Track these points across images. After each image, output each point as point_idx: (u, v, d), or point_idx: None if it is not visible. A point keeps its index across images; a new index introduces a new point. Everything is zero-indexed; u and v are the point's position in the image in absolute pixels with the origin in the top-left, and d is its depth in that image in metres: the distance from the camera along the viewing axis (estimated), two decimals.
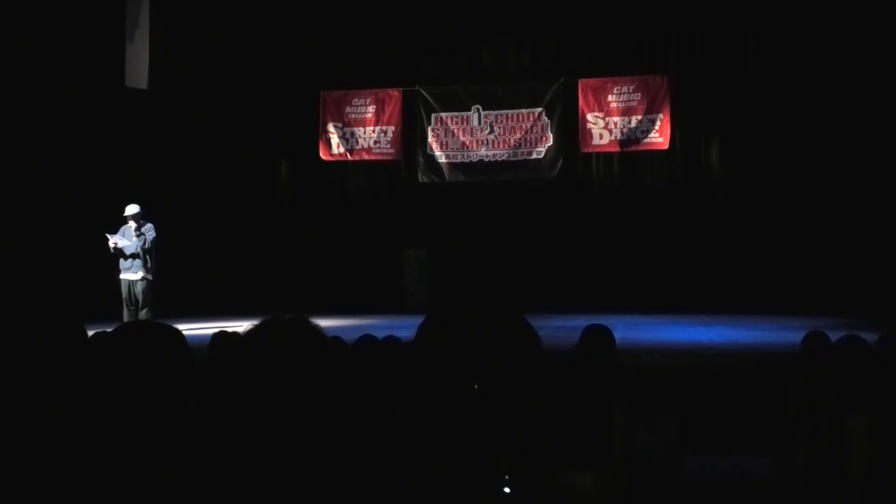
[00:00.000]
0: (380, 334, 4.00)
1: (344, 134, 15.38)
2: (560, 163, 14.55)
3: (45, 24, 11.89)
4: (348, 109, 15.37)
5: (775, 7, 13.46)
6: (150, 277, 10.39)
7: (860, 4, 12.81)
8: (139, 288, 10.34)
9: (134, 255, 10.31)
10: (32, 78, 11.84)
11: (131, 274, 10.37)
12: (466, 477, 1.46)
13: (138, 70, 12.60)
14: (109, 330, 2.26)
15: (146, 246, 10.30)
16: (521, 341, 1.55)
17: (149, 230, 10.40)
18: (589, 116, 14.40)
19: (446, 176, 15.02)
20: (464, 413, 1.47)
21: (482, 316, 1.56)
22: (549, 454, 2.80)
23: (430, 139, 15.11)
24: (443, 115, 15.07)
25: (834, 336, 4.55)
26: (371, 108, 15.29)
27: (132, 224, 10.30)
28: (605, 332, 4.46)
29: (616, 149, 14.36)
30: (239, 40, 14.88)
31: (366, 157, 15.39)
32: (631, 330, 10.04)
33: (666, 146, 14.07)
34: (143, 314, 10.24)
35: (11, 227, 11.38)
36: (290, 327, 1.78)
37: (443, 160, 15.03)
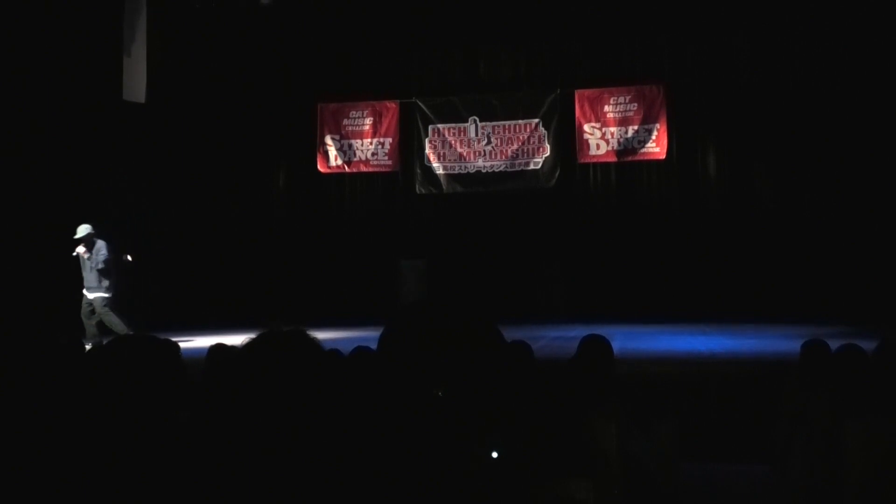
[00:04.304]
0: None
1: (341, 146, 15.41)
2: (557, 173, 14.57)
3: (41, 37, 11.93)
4: (345, 121, 15.41)
5: (771, 14, 13.51)
6: (105, 295, 10.42)
7: (860, 5, 12.85)
8: (96, 305, 10.42)
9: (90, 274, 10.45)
10: (29, 91, 11.87)
11: (87, 291, 10.50)
12: (438, 481, 1.47)
13: (136, 84, 12.62)
14: (105, 343, 2.28)
15: (99, 267, 10.36)
16: (486, 348, 1.55)
17: (98, 251, 10.43)
18: (586, 127, 14.44)
19: (444, 187, 15.04)
20: (427, 419, 1.48)
21: (445, 323, 1.56)
22: (545, 462, 2.81)
23: (428, 150, 15.14)
24: (440, 126, 15.11)
25: (832, 344, 4.57)
26: (368, 120, 15.34)
27: (82, 248, 10.40)
28: (603, 342, 4.48)
29: (613, 159, 14.39)
30: (236, 53, 14.95)
31: (363, 168, 15.43)
32: (630, 340, 10.04)
33: (663, 156, 14.10)
34: (117, 329, 10.24)
35: (9, 238, 11.39)
36: (287, 340, 1.79)
37: (440, 171, 15.06)
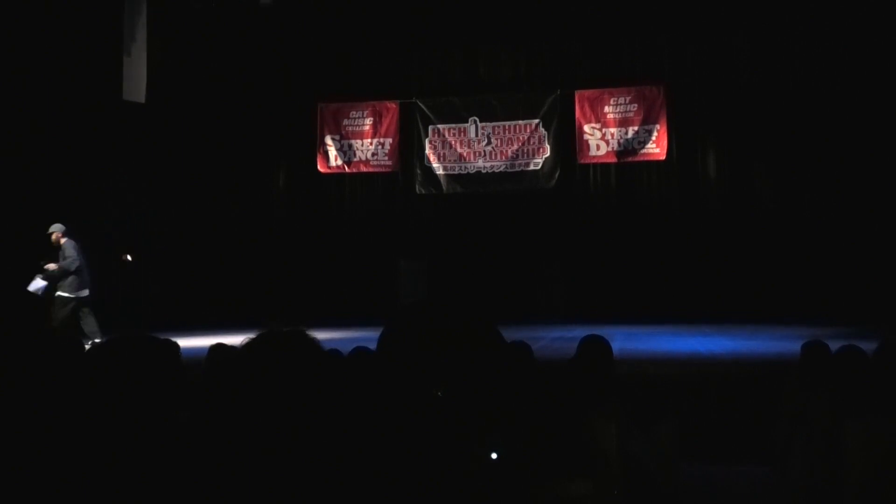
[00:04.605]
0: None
1: (342, 146, 15.42)
2: (557, 174, 14.58)
3: (41, 37, 11.93)
4: (346, 122, 15.42)
5: (771, 14, 13.52)
6: (67, 294, 10.27)
7: (860, 5, 12.86)
8: (56, 301, 10.26)
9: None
10: (29, 91, 11.87)
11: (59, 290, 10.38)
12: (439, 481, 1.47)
13: (136, 84, 12.62)
14: (105, 343, 2.27)
15: (71, 269, 10.23)
16: (486, 348, 1.55)
17: (63, 254, 10.27)
18: (586, 127, 14.45)
19: (444, 187, 15.05)
20: (427, 419, 1.48)
21: (445, 323, 1.56)
22: (545, 462, 2.81)
23: (428, 151, 15.15)
24: (440, 126, 15.11)
25: (832, 345, 4.56)
26: (368, 121, 15.35)
27: (51, 265, 10.28)
28: (602, 343, 4.47)
29: (613, 160, 14.40)
30: (236, 53, 14.95)
31: (363, 169, 15.44)
32: (629, 340, 10.04)
33: (663, 157, 14.11)
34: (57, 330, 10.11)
35: (10, 240, 11.38)
36: (287, 340, 1.79)
37: (440, 172, 15.06)
